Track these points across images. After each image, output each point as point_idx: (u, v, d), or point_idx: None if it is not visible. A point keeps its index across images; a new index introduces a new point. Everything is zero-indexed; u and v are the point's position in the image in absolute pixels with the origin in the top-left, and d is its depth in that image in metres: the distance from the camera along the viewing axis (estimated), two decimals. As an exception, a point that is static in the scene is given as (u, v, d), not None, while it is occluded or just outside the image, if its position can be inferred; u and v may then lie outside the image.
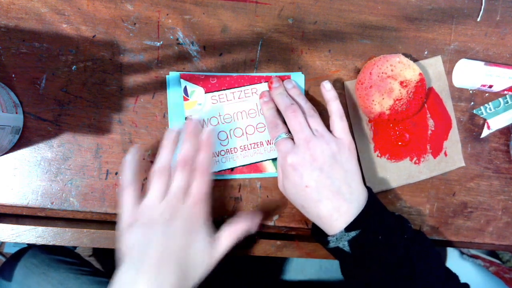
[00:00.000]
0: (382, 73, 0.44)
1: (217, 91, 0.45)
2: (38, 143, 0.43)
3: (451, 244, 0.51)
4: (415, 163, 0.48)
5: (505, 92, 0.48)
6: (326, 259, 0.49)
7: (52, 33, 0.42)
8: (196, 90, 0.44)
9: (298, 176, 0.39)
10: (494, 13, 0.49)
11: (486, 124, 0.49)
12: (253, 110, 0.45)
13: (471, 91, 0.49)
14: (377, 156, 0.47)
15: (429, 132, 0.48)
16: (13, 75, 0.42)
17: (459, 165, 0.49)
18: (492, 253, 1.04)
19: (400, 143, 0.48)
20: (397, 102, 0.44)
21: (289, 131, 0.42)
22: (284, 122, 0.43)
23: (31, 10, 0.42)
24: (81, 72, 0.43)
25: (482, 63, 0.47)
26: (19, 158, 0.42)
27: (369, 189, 0.42)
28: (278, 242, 0.48)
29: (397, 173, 0.48)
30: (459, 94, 0.49)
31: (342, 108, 0.43)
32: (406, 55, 0.46)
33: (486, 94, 0.49)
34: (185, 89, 0.44)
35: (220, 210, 0.46)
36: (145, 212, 0.38)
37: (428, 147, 0.48)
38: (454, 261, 0.96)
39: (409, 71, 0.44)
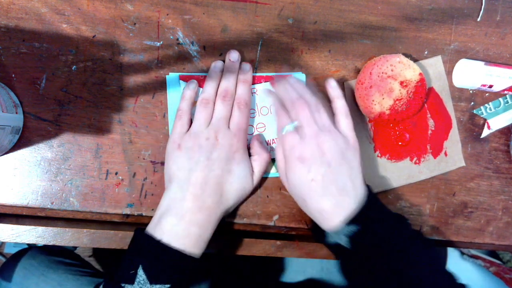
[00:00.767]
0: (382, 73, 0.44)
1: (217, 91, 0.45)
2: (38, 143, 0.43)
3: (451, 244, 0.50)
4: (415, 163, 0.48)
5: (505, 92, 0.48)
6: (327, 260, 0.49)
7: (52, 33, 0.42)
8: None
9: (305, 169, 0.39)
10: (494, 13, 0.49)
11: (486, 124, 0.49)
12: (253, 110, 0.45)
13: (471, 91, 0.49)
14: (377, 156, 0.47)
15: (429, 132, 0.48)
16: (13, 75, 0.42)
17: (459, 165, 0.49)
18: (492, 253, 1.04)
19: (400, 143, 0.48)
20: (397, 102, 0.44)
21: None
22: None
23: (31, 10, 0.42)
24: (81, 72, 0.43)
25: (482, 63, 0.47)
26: (19, 158, 0.42)
27: (368, 187, 0.42)
28: (278, 242, 0.48)
29: (397, 173, 0.48)
30: (459, 94, 0.49)
31: (347, 106, 0.43)
32: (406, 55, 0.46)
33: (486, 94, 0.49)
34: (185, 89, 0.44)
35: (220, 210, 0.46)
36: (192, 137, 0.41)
37: (428, 147, 0.48)
38: (454, 261, 0.96)
39: (409, 71, 0.44)
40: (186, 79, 0.44)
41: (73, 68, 0.43)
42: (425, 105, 0.48)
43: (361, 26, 0.46)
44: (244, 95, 0.43)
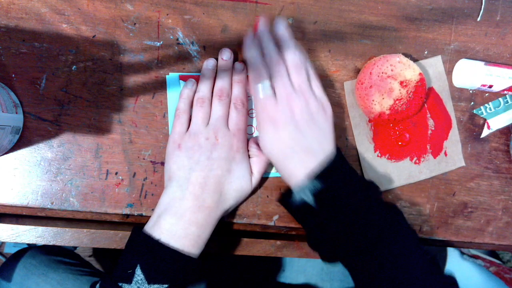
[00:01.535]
0: (382, 73, 0.44)
1: (217, 91, 0.45)
2: (38, 143, 0.43)
3: (451, 244, 0.51)
4: (415, 163, 0.48)
5: (505, 92, 0.48)
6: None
7: (52, 33, 0.42)
8: (196, 90, 0.44)
9: (274, 129, 0.40)
10: (494, 13, 0.49)
11: (486, 124, 0.49)
12: (253, 110, 0.45)
13: (471, 91, 0.49)
14: (377, 156, 0.47)
15: (429, 132, 0.48)
16: (13, 75, 0.42)
17: (459, 165, 0.49)
18: (493, 253, 1.04)
19: (400, 143, 0.48)
20: (397, 102, 0.44)
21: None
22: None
23: (31, 10, 0.42)
24: (81, 72, 0.43)
25: (482, 63, 0.47)
26: (19, 158, 0.42)
27: (338, 149, 0.42)
28: (278, 242, 0.48)
29: (397, 173, 0.48)
30: (459, 94, 0.49)
31: (313, 68, 0.43)
32: (406, 55, 0.46)
33: (486, 94, 0.49)
34: (185, 89, 0.44)
35: (220, 210, 0.46)
36: (192, 137, 0.41)
37: (428, 147, 0.48)
38: (454, 261, 0.96)
39: (409, 71, 0.44)
40: (186, 79, 0.44)
41: (73, 68, 0.43)
42: (425, 105, 0.48)
43: (361, 26, 0.46)
44: (240, 95, 0.43)
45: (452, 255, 0.97)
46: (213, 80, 0.43)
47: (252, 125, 0.45)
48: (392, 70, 0.44)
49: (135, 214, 0.45)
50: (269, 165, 0.46)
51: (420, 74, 0.45)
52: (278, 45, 0.43)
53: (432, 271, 0.40)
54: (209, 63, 0.44)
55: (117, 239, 0.44)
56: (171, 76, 0.44)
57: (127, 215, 0.45)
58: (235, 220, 0.46)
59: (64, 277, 0.54)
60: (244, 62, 0.44)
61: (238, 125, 0.42)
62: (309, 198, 0.39)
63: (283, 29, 0.43)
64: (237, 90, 0.43)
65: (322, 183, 0.38)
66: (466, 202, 0.50)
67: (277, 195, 0.46)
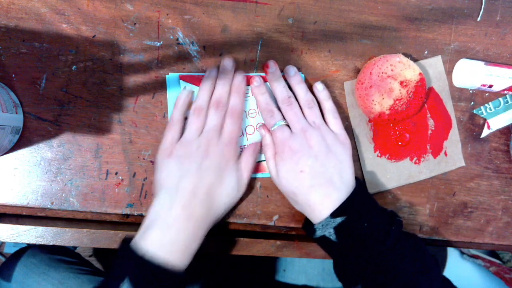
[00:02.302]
0: (382, 73, 0.44)
1: (217, 91, 0.45)
2: (38, 143, 0.43)
3: (451, 244, 0.51)
4: (415, 163, 0.48)
5: (505, 92, 0.48)
6: (328, 260, 0.49)
7: (52, 33, 0.42)
8: (196, 91, 0.44)
9: (294, 161, 0.41)
10: (494, 13, 0.49)
11: (486, 124, 0.49)
12: (253, 110, 0.45)
13: (471, 91, 0.49)
14: (377, 156, 0.47)
15: (429, 132, 0.48)
16: (13, 75, 0.42)
17: (459, 165, 0.49)
18: (493, 253, 1.04)
19: (400, 143, 0.48)
20: (397, 102, 0.44)
21: (284, 119, 0.43)
22: (279, 108, 0.44)
23: (31, 10, 0.42)
24: (81, 72, 0.43)
25: (482, 63, 0.47)
26: (19, 158, 0.42)
27: (358, 181, 0.43)
28: (278, 242, 0.48)
29: (397, 173, 0.48)
30: (459, 94, 0.49)
31: (335, 107, 0.45)
32: (406, 55, 0.46)
33: (486, 94, 0.49)
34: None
35: (220, 210, 0.46)
36: (183, 145, 0.41)
37: (428, 147, 0.48)
38: (454, 261, 0.96)
39: (409, 71, 0.44)
40: (186, 79, 0.44)
41: (73, 68, 0.43)
42: (425, 105, 0.48)
43: (361, 26, 0.46)
44: (237, 105, 0.43)
45: (452, 255, 0.97)
46: (212, 90, 0.43)
47: (252, 125, 0.45)
48: (392, 70, 0.44)
49: (135, 214, 0.45)
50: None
51: (420, 74, 0.45)
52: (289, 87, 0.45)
53: None
54: (212, 72, 0.43)
55: (117, 239, 0.44)
56: (171, 76, 0.44)
57: (127, 215, 0.45)
58: (235, 220, 0.46)
59: (65, 276, 0.54)
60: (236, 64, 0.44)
61: (232, 135, 0.42)
62: (330, 233, 0.39)
63: (294, 73, 0.44)
64: (235, 100, 0.43)
65: (345, 218, 0.39)
66: (466, 202, 0.50)
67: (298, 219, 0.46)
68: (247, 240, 0.47)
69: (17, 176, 0.43)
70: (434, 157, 0.48)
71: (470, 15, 0.48)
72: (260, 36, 0.45)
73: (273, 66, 0.44)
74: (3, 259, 1.06)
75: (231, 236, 0.47)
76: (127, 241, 0.38)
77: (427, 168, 0.48)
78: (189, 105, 0.43)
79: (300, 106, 0.44)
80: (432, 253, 0.41)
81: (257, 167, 0.46)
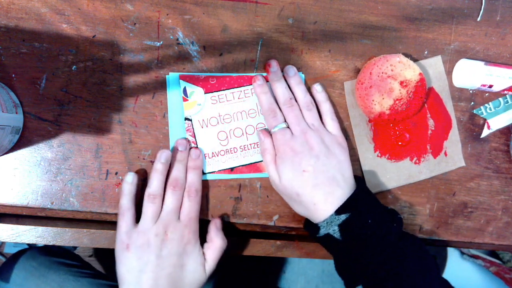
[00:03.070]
0: (382, 73, 0.44)
1: (217, 91, 0.45)
2: (38, 143, 0.43)
3: (451, 244, 0.51)
4: (415, 163, 0.48)
5: (505, 92, 0.48)
6: (328, 261, 0.49)
7: (52, 33, 0.42)
8: (196, 91, 0.44)
9: (297, 161, 0.41)
10: (494, 13, 0.49)
11: (486, 124, 0.49)
12: (253, 110, 0.45)
13: (471, 91, 0.49)
14: (377, 156, 0.47)
15: (429, 132, 0.48)
16: (13, 75, 0.42)
17: (459, 165, 0.49)
18: (493, 253, 1.04)
19: (400, 143, 0.48)
20: (397, 102, 0.44)
21: (285, 120, 0.44)
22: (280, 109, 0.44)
23: (31, 10, 0.42)
24: (81, 72, 0.43)
25: (482, 63, 0.47)
26: (19, 158, 0.42)
27: (359, 180, 0.44)
28: (278, 242, 0.48)
29: (397, 173, 0.48)
30: (459, 94, 0.49)
31: (333, 108, 0.45)
32: (406, 55, 0.46)
33: (486, 94, 0.49)
34: (185, 89, 0.44)
35: (220, 210, 0.46)
36: (140, 235, 0.40)
37: (428, 147, 0.48)
38: (455, 261, 0.96)
39: (409, 71, 0.44)
40: (186, 79, 0.44)
41: (73, 68, 0.43)
42: (425, 105, 0.48)
43: (361, 26, 0.46)
44: (194, 183, 0.43)
45: (452, 255, 0.97)
46: (166, 173, 0.42)
47: (252, 125, 0.45)
48: (392, 70, 0.44)
49: (135, 214, 0.45)
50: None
51: (420, 74, 0.45)
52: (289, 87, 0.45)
53: None
54: (163, 156, 0.42)
55: (117, 239, 0.44)
56: (172, 76, 0.44)
57: (127, 215, 0.45)
58: (235, 220, 0.46)
59: (65, 279, 0.54)
60: (197, 148, 0.44)
61: (190, 215, 0.42)
62: (335, 231, 0.40)
63: (293, 73, 0.45)
64: (192, 177, 0.43)
65: (347, 214, 0.40)
66: (466, 202, 0.50)
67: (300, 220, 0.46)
68: (247, 240, 0.47)
69: (17, 176, 0.43)
70: (434, 157, 0.48)
71: (470, 15, 0.48)
72: (260, 36, 0.45)
73: (275, 66, 0.44)
74: (3, 259, 1.06)
75: (231, 236, 0.47)
76: None
77: (427, 168, 0.48)
78: (138, 189, 0.43)
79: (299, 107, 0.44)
80: (432, 253, 0.42)
81: (257, 167, 0.46)
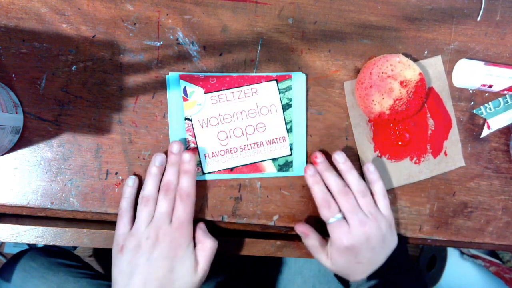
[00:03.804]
0: (382, 73, 0.44)
1: (217, 91, 0.45)
2: (38, 143, 0.43)
3: (451, 244, 0.51)
4: (415, 163, 0.48)
5: (505, 92, 0.48)
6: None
7: (52, 33, 0.42)
8: (196, 91, 0.44)
9: (353, 255, 0.42)
10: (494, 13, 0.49)
11: (486, 124, 0.49)
12: (253, 110, 0.45)
13: (471, 91, 0.49)
14: (377, 156, 0.47)
15: (429, 132, 0.48)
16: (13, 75, 0.42)
17: (459, 165, 0.49)
18: (492, 253, 1.04)
19: (400, 143, 0.48)
20: (397, 102, 0.44)
21: (340, 209, 0.44)
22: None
23: (31, 10, 0.42)
24: (81, 72, 0.43)
25: (482, 63, 0.47)
26: (19, 158, 0.42)
27: (400, 241, 0.45)
28: (278, 242, 0.48)
29: (397, 173, 0.48)
30: (459, 94, 0.49)
31: (384, 187, 0.45)
32: (406, 55, 0.46)
33: (486, 94, 0.49)
34: (185, 89, 0.44)
35: (220, 210, 0.46)
36: (133, 237, 0.40)
37: (428, 147, 0.48)
38: (454, 261, 0.96)
39: (409, 71, 0.44)
40: (186, 78, 0.44)
41: (73, 68, 0.43)
42: (425, 105, 0.48)
43: (361, 26, 0.46)
44: (186, 187, 0.42)
45: (452, 255, 0.97)
46: (161, 177, 0.43)
47: (252, 125, 0.45)
48: (392, 70, 0.44)
49: (135, 214, 0.45)
50: (270, 165, 0.45)
51: (420, 74, 0.45)
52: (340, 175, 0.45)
53: None
54: (157, 159, 0.42)
55: (117, 239, 0.44)
56: (172, 75, 0.44)
57: (127, 215, 0.45)
58: (235, 220, 0.46)
59: (64, 280, 0.54)
60: (192, 150, 0.44)
61: (181, 218, 0.41)
62: None
63: (344, 160, 0.44)
64: (184, 181, 0.42)
65: (378, 281, 0.43)
66: (466, 202, 0.50)
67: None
68: (247, 240, 0.47)
69: (17, 176, 0.43)
70: (434, 157, 0.48)
71: (470, 15, 0.48)
72: (260, 36, 0.45)
73: (320, 157, 0.45)
74: (3, 260, 1.06)
75: (231, 236, 0.47)
76: None
77: (427, 168, 0.48)
78: (137, 192, 0.43)
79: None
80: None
81: (257, 167, 0.46)
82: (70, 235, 0.44)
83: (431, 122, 0.48)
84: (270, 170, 0.46)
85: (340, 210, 0.43)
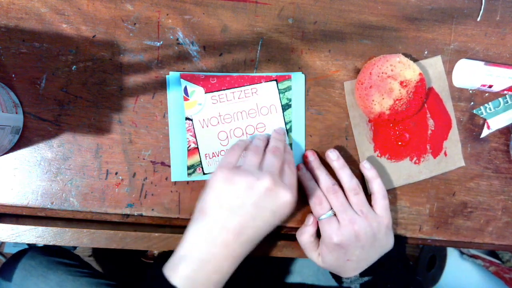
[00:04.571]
0: (382, 73, 0.44)
1: (217, 91, 0.45)
2: (38, 143, 0.43)
3: (451, 244, 0.51)
4: (415, 163, 0.48)
5: (505, 92, 0.48)
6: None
7: (52, 33, 0.42)
8: (196, 90, 0.44)
9: (342, 252, 0.42)
10: (494, 13, 0.49)
11: (486, 124, 0.49)
12: (253, 110, 0.45)
13: (471, 91, 0.49)
14: (377, 156, 0.48)
15: (429, 132, 0.48)
16: (13, 75, 0.42)
17: (459, 165, 0.49)
18: (492, 253, 1.04)
19: (400, 143, 0.48)
20: (397, 102, 0.44)
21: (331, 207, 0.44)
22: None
23: (31, 10, 0.42)
24: (81, 72, 0.43)
25: (482, 63, 0.47)
26: (19, 158, 0.42)
27: (397, 241, 0.45)
28: (278, 242, 0.48)
29: (397, 173, 0.48)
30: (459, 94, 0.49)
31: (384, 187, 0.45)
32: (406, 55, 0.46)
33: (486, 94, 0.49)
34: (185, 89, 0.44)
35: (220, 210, 0.46)
36: (246, 173, 0.37)
37: (428, 147, 0.48)
38: (454, 261, 0.96)
39: (409, 71, 0.44)
40: (187, 78, 0.44)
41: (73, 68, 0.43)
42: (425, 105, 0.48)
43: (361, 26, 0.46)
44: (292, 160, 0.43)
45: (452, 255, 0.97)
46: (265, 142, 0.43)
47: (252, 125, 0.45)
48: (392, 70, 0.44)
49: (135, 214, 0.45)
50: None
51: (420, 74, 0.45)
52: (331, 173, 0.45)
53: None
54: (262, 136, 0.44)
55: (117, 239, 0.44)
56: (172, 75, 0.44)
57: (127, 215, 0.45)
58: (235, 220, 0.46)
59: (64, 278, 0.54)
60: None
61: (294, 184, 0.40)
62: (356, 287, 0.44)
63: (336, 157, 0.45)
64: (289, 157, 0.43)
65: (371, 278, 0.43)
66: (466, 202, 0.50)
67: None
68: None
69: (17, 176, 0.43)
70: (434, 157, 0.48)
71: (470, 15, 0.48)
72: (260, 36, 0.45)
73: (311, 156, 0.45)
74: (3, 259, 1.06)
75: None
76: (157, 271, 0.36)
77: (427, 168, 0.48)
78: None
79: (344, 191, 0.44)
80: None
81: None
82: (70, 235, 0.44)
83: (431, 122, 0.48)
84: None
85: (331, 208, 0.43)
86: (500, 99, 0.49)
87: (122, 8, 0.43)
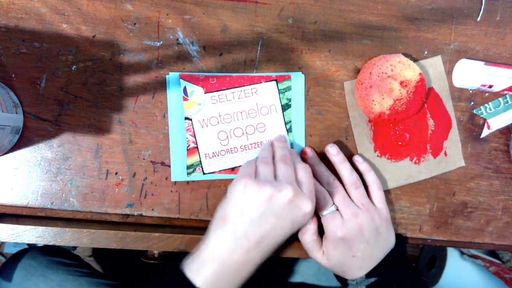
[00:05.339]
0: (382, 73, 0.44)
1: (217, 91, 0.45)
2: (38, 143, 0.43)
3: (451, 244, 0.51)
4: (415, 163, 0.48)
5: (505, 92, 0.48)
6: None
7: (52, 33, 0.42)
8: (196, 90, 0.44)
9: (347, 247, 0.42)
10: (494, 13, 0.49)
11: (486, 124, 0.49)
12: (253, 110, 0.45)
13: (471, 91, 0.49)
14: (377, 156, 0.47)
15: (429, 132, 0.48)
16: (13, 75, 0.42)
17: (459, 165, 0.49)
18: (492, 253, 1.04)
19: (400, 143, 0.48)
20: (397, 102, 0.44)
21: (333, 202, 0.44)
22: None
23: (31, 10, 0.42)
24: (81, 72, 0.43)
25: (482, 63, 0.47)
26: (19, 158, 0.42)
27: (397, 240, 0.45)
28: (278, 242, 0.48)
29: (397, 173, 0.48)
30: (459, 94, 0.49)
31: (378, 179, 0.45)
32: (406, 55, 0.46)
33: (486, 94, 0.49)
34: (185, 89, 0.44)
35: (220, 210, 0.46)
36: (269, 184, 0.37)
37: (428, 147, 0.48)
38: (454, 261, 0.96)
39: (409, 71, 0.44)
40: (186, 78, 0.44)
41: (73, 68, 0.43)
42: (425, 105, 0.48)
43: (361, 26, 0.46)
44: (301, 164, 0.42)
45: (452, 255, 0.97)
46: (271, 152, 0.44)
47: (252, 125, 0.45)
48: (392, 70, 0.44)
49: (135, 214, 0.45)
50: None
51: (420, 74, 0.45)
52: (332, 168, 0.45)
53: None
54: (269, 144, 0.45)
55: (117, 239, 0.44)
56: (172, 75, 0.44)
57: (127, 215, 0.45)
58: (235, 220, 0.46)
59: (64, 278, 0.54)
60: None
61: (311, 188, 0.40)
62: None
63: (336, 152, 0.45)
64: (299, 161, 0.43)
65: (377, 278, 0.43)
66: (466, 202, 0.50)
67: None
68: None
69: (17, 176, 0.43)
70: (434, 157, 0.48)
71: (470, 15, 0.48)
72: (260, 36, 0.45)
73: (310, 152, 0.46)
74: (3, 259, 1.06)
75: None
76: (179, 271, 0.37)
77: (427, 168, 0.48)
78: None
79: (344, 185, 0.44)
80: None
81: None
82: (70, 235, 0.44)
83: (431, 122, 0.48)
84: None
85: (334, 203, 0.43)
86: (500, 99, 0.49)
87: (122, 8, 0.43)
